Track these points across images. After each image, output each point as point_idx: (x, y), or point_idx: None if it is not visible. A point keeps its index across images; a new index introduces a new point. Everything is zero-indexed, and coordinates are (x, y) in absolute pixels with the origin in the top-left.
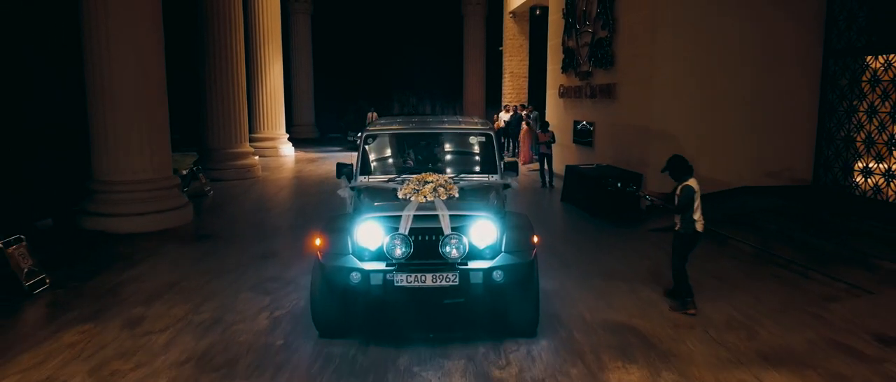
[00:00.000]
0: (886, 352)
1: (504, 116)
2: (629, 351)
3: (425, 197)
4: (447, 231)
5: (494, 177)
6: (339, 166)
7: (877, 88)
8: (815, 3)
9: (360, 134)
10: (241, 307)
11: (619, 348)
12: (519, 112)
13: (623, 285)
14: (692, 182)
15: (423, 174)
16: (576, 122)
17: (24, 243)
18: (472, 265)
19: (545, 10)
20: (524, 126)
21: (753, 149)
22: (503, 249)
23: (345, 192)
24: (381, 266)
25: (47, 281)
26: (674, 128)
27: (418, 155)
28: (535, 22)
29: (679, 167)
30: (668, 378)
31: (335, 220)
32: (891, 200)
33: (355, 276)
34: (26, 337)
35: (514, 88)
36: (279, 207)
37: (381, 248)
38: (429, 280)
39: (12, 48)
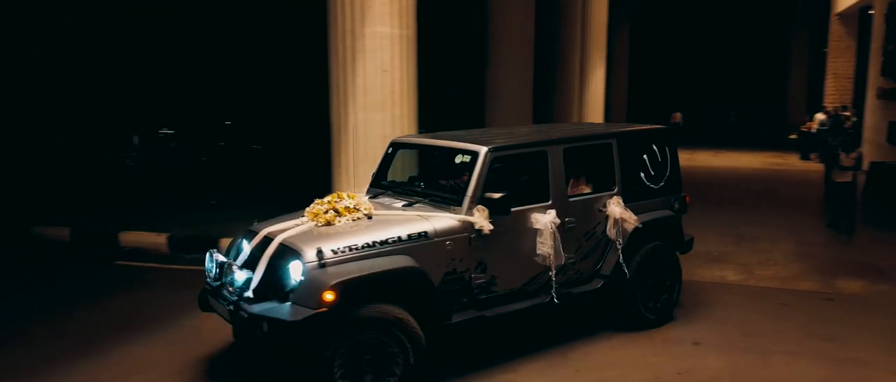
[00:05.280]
0: None
1: (820, 117)
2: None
3: (314, 218)
4: (263, 262)
5: (456, 214)
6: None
7: None
8: None
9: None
10: None
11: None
12: (839, 113)
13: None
14: None
15: (338, 193)
16: (891, 123)
17: None
18: (246, 307)
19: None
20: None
21: None
22: (292, 298)
23: None
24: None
25: None
26: None
27: (423, 173)
28: (864, 23)
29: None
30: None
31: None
32: None
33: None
34: None
35: (837, 89)
36: None
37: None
38: (221, 311)
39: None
